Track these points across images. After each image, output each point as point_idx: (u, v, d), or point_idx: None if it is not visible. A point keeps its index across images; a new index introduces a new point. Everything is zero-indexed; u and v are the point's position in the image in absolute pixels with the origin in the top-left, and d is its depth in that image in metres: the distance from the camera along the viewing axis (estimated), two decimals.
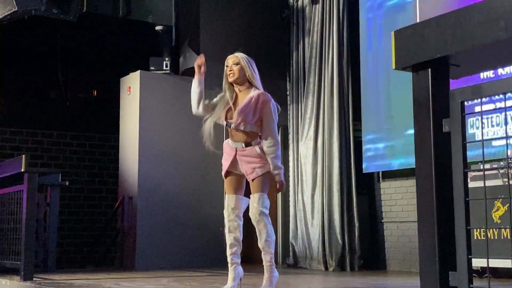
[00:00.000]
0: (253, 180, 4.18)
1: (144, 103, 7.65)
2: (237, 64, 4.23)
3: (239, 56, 4.26)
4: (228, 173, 4.29)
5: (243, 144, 4.21)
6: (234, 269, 4.25)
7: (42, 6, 7.12)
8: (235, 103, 4.26)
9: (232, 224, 4.23)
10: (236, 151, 4.23)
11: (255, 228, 4.21)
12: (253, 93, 4.21)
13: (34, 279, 5.45)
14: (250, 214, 4.17)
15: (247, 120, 4.17)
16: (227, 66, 4.27)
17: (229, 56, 4.31)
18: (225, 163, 4.29)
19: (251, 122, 4.17)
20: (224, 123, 4.27)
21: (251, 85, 4.25)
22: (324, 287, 5.40)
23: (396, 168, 6.87)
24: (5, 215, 6.26)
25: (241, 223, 4.26)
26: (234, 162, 4.25)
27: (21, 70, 9.10)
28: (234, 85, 4.27)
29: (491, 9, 1.74)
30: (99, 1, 7.73)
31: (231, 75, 4.22)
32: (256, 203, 4.13)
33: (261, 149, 4.18)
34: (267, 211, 4.16)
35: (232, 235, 4.23)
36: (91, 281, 5.45)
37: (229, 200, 4.27)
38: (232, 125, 4.22)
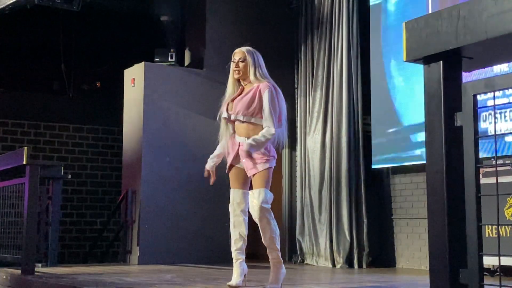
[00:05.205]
0: (253, 175, 4.11)
1: (149, 95, 7.57)
2: (243, 61, 4.21)
3: (246, 52, 4.23)
4: (231, 167, 4.24)
5: (246, 139, 4.14)
6: (239, 265, 4.21)
7: None
8: (239, 95, 4.24)
9: (237, 219, 4.19)
10: (239, 145, 4.17)
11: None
12: (257, 84, 4.18)
13: (35, 273, 5.38)
14: (251, 210, 4.12)
15: (245, 109, 4.12)
16: (233, 62, 4.24)
17: (236, 51, 4.29)
18: (229, 157, 4.25)
19: (251, 113, 4.12)
20: (226, 115, 4.23)
21: (257, 78, 4.21)
22: (332, 285, 5.33)
23: (406, 163, 6.76)
24: (6, 208, 6.20)
25: (246, 218, 4.21)
26: (236, 156, 4.19)
27: (23, 61, 9.02)
28: (240, 79, 4.26)
29: None
30: None
31: (236, 71, 4.21)
32: (256, 199, 4.05)
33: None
34: (268, 206, 4.07)
35: (237, 230, 4.20)
36: (94, 276, 5.37)
37: (234, 194, 4.22)
38: (232, 116, 4.19)
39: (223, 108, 4.25)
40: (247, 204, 4.18)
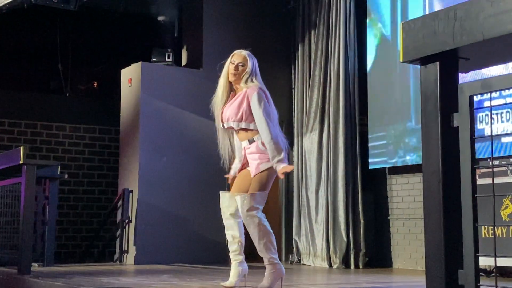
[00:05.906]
0: (254, 176, 4.10)
1: (145, 95, 7.55)
2: (243, 65, 4.16)
3: (248, 56, 4.19)
4: (241, 169, 4.22)
5: (248, 141, 4.14)
6: (237, 266, 4.18)
7: None
8: (229, 102, 4.22)
9: (228, 222, 4.20)
10: (244, 149, 4.17)
11: None
12: (246, 88, 4.14)
13: (31, 273, 5.36)
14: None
15: (234, 115, 4.09)
16: (232, 63, 4.19)
17: (237, 53, 4.23)
18: (239, 162, 4.23)
19: (239, 118, 4.09)
20: (221, 125, 4.21)
21: (247, 84, 4.16)
22: (328, 285, 5.32)
23: (402, 163, 6.76)
24: (2, 208, 6.18)
25: (239, 220, 4.16)
26: (245, 162, 4.19)
27: (20, 60, 9.01)
28: (233, 82, 4.22)
29: (503, 0, 1.68)
30: None
31: (234, 74, 4.16)
32: (240, 207, 4.03)
33: (263, 144, 4.08)
34: (254, 212, 3.99)
35: (229, 233, 4.19)
36: (90, 276, 5.36)
37: (222, 198, 4.23)
38: (225, 124, 4.17)
39: (218, 119, 4.23)
40: (236, 206, 4.12)
